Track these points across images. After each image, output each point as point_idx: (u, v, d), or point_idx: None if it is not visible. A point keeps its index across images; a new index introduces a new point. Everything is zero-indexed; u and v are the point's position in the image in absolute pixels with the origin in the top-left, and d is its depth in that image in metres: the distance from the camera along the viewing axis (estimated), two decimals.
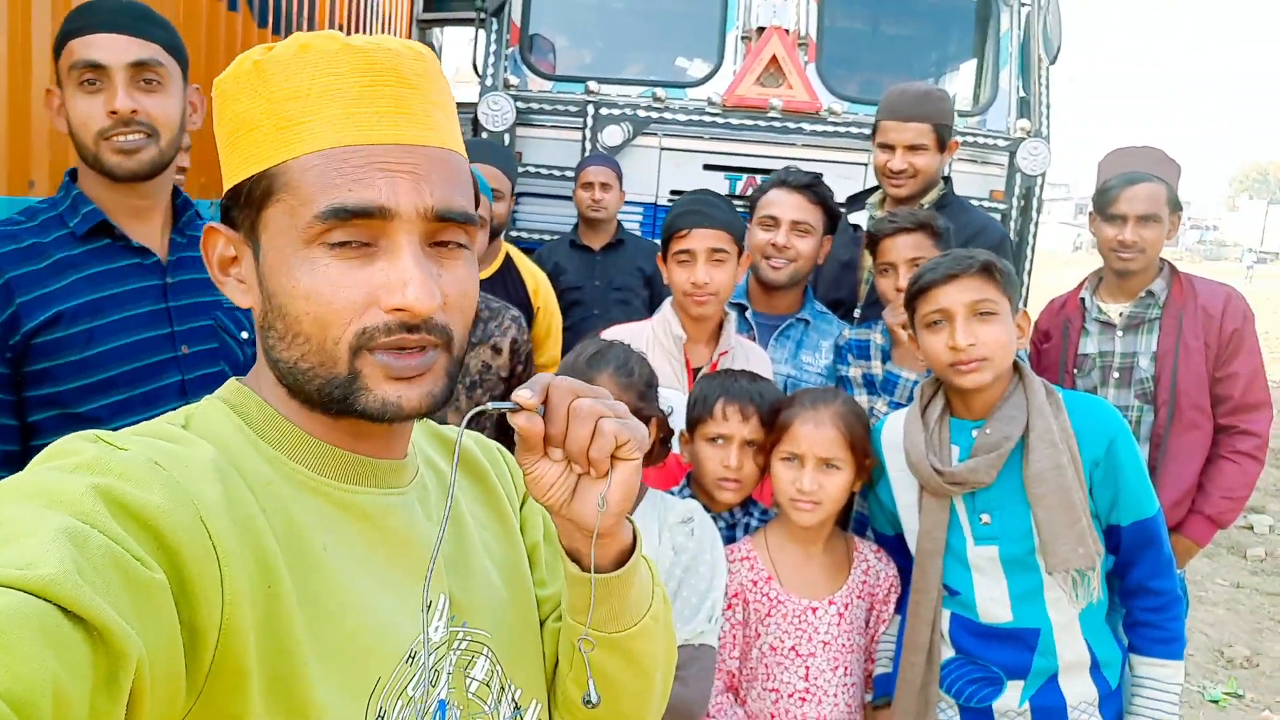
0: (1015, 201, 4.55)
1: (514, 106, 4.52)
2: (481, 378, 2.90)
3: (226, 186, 0.89)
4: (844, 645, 2.17)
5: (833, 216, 2.95)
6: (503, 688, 1.00)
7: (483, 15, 5.14)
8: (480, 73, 4.84)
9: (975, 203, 4.41)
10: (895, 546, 2.28)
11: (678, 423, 2.31)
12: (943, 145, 3.07)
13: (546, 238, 4.56)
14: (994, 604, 2.07)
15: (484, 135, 4.56)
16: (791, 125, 4.60)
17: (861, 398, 2.80)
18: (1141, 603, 2.08)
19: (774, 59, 4.58)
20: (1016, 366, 2.12)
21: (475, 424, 2.76)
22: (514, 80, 4.68)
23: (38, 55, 2.70)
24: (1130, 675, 2.10)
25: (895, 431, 2.20)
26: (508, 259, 3.56)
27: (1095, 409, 2.08)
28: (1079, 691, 2.07)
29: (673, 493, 2.29)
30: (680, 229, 2.55)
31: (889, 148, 3.08)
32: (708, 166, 4.69)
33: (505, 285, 3.47)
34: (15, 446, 1.85)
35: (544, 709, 1.06)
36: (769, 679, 2.16)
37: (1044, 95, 4.64)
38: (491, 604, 1.01)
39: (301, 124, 0.82)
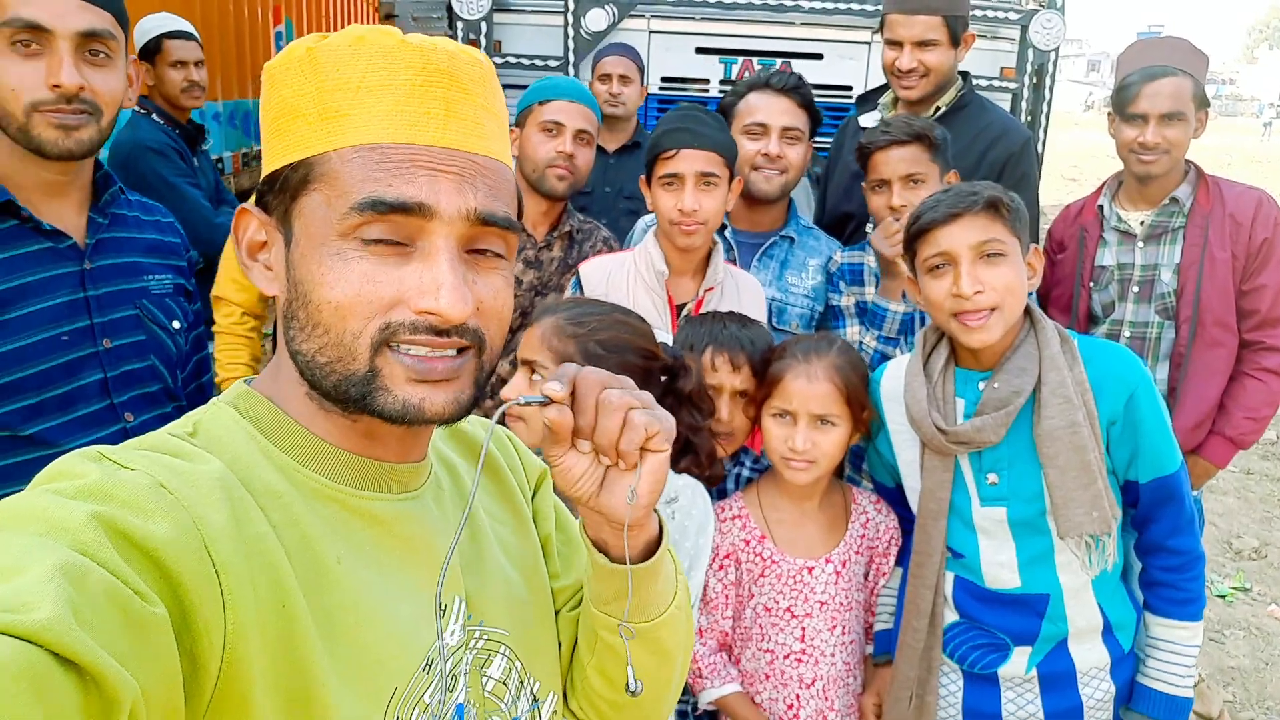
0: (1027, 79, 4.26)
1: None
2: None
3: (266, 171, 0.88)
4: (842, 604, 2.06)
5: (816, 121, 2.71)
6: (521, 682, 1.00)
7: None
8: None
9: (985, 83, 4.13)
10: (896, 498, 2.14)
11: None
12: (956, 39, 2.79)
13: None
14: (1001, 569, 1.94)
15: (459, 24, 4.25)
16: (789, 2, 4.28)
17: (854, 329, 2.62)
18: (1159, 561, 1.94)
19: None
20: (1028, 311, 1.93)
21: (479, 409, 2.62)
22: None
23: None
24: (1145, 636, 1.98)
25: (895, 381, 2.02)
26: None
27: (1114, 359, 1.90)
28: (1090, 657, 1.95)
29: None
30: (666, 149, 2.32)
31: (896, 44, 2.81)
32: (700, 50, 4.41)
33: None
34: None
35: (559, 699, 1.07)
36: (764, 639, 2.06)
37: None
38: (508, 600, 1.01)
39: (348, 116, 0.81)
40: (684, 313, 2.39)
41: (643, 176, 2.43)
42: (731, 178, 2.36)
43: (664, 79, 4.38)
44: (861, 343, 2.61)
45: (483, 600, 0.97)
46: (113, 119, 1.73)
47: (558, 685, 1.07)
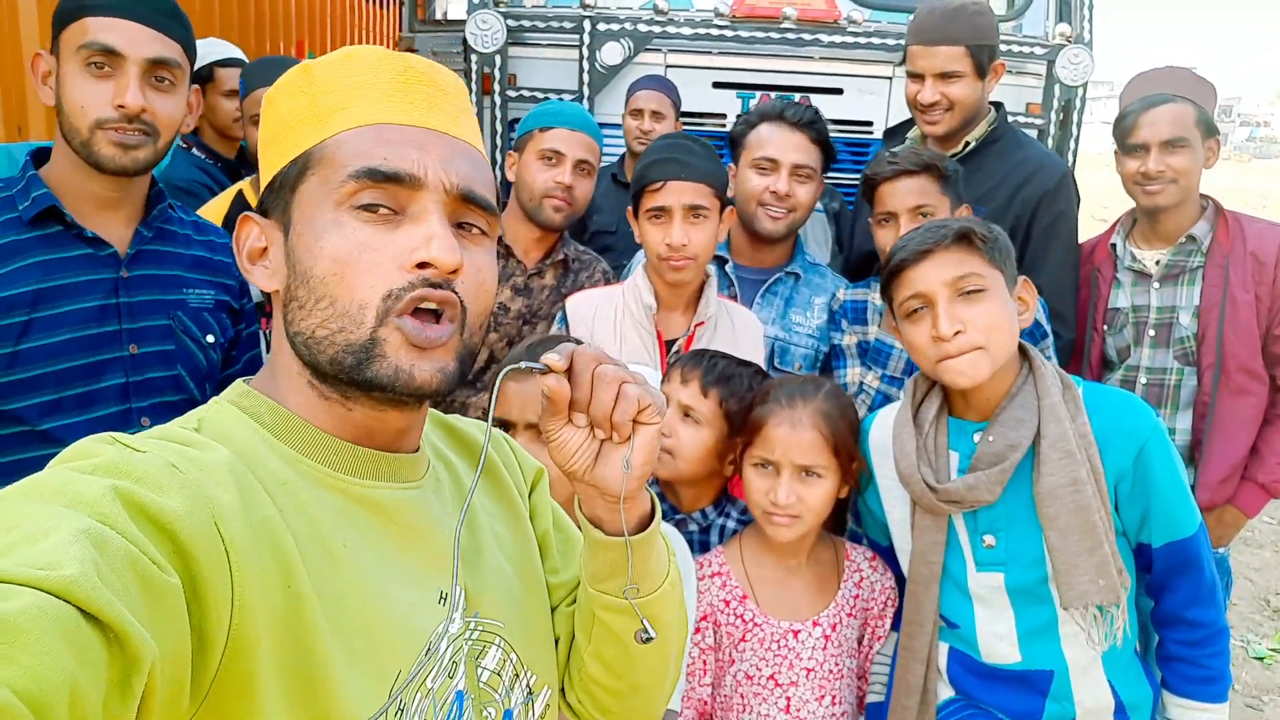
0: (1054, 115, 4.11)
1: (504, 24, 4.13)
2: (497, 320, 2.63)
3: (264, 183, 0.93)
4: (831, 671, 1.90)
5: (830, 157, 2.58)
6: (516, 674, 1.02)
7: None
8: None
9: (1009, 119, 3.99)
10: (891, 556, 1.98)
11: None
12: (982, 70, 2.64)
13: None
14: (999, 641, 1.77)
15: (473, 57, 4.20)
16: (808, 36, 4.18)
17: (855, 370, 2.47)
18: (1177, 635, 1.76)
19: None
20: (1026, 354, 1.78)
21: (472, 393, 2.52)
22: None
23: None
24: (1161, 717, 1.80)
25: (884, 431, 1.87)
26: None
27: (1123, 409, 1.74)
28: None
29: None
30: (653, 181, 2.21)
31: (919, 77, 2.68)
32: (717, 84, 4.32)
33: None
34: None
35: (554, 695, 1.08)
36: (746, 710, 1.90)
37: None
38: (504, 594, 1.03)
39: (339, 109, 0.88)
40: (674, 349, 2.27)
41: (629, 209, 2.33)
42: (723, 207, 2.25)
43: (681, 113, 4.29)
44: (863, 384, 2.47)
45: (480, 592, 0.99)
46: (169, 141, 1.86)
47: (554, 680, 1.09)
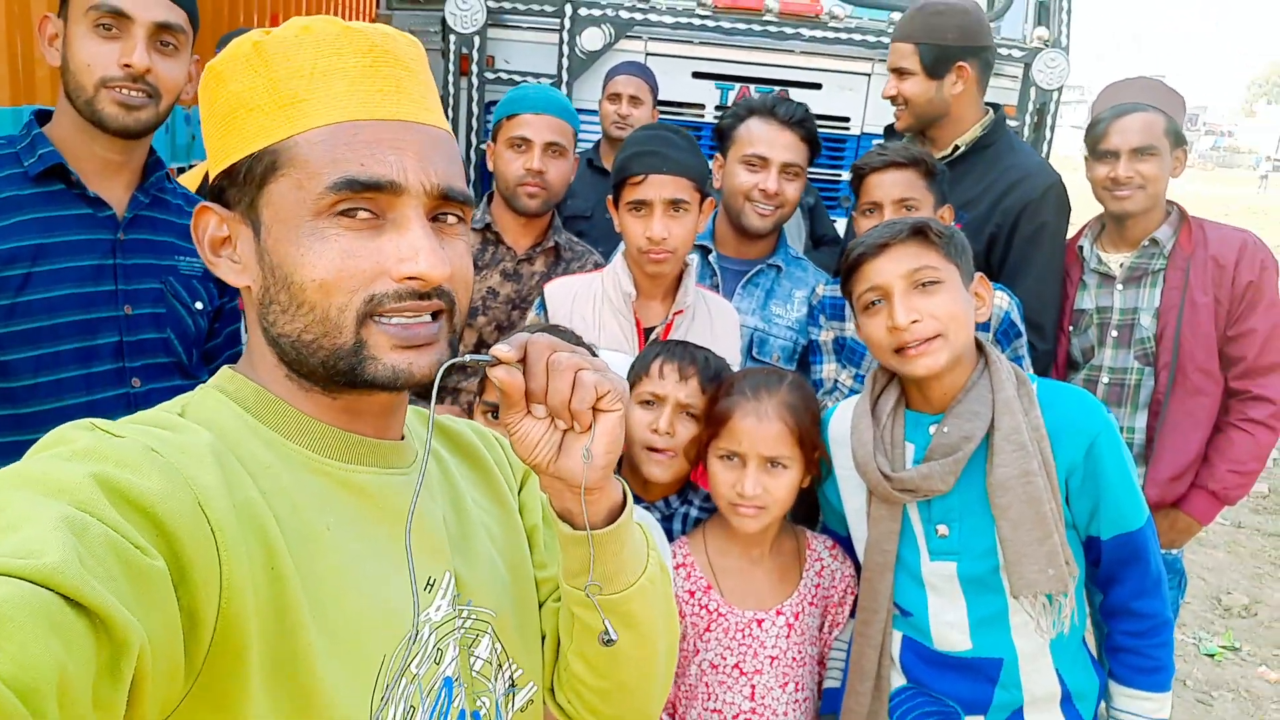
0: (1029, 118, 4.17)
1: (484, 5, 4.13)
2: (486, 304, 2.66)
3: (219, 168, 0.90)
4: (794, 659, 1.94)
5: (816, 154, 2.61)
6: (500, 665, 1.01)
7: None
8: None
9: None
10: (850, 546, 2.02)
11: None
12: (933, 70, 2.66)
13: None
14: (951, 629, 1.82)
15: (451, 37, 4.19)
16: (789, 30, 4.21)
17: (830, 366, 2.51)
18: (1124, 625, 1.82)
19: None
20: (983, 350, 1.83)
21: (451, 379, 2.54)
22: None
23: None
24: (1107, 706, 1.86)
25: (844, 424, 1.91)
26: None
27: (1075, 404, 1.79)
28: None
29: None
30: (634, 174, 2.22)
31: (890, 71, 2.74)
32: (697, 74, 4.35)
33: None
34: None
35: (539, 694, 1.08)
36: (710, 699, 1.94)
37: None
38: (494, 585, 1.03)
39: (305, 100, 0.85)
40: (652, 337, 2.30)
41: (609, 198, 2.35)
42: (703, 200, 2.27)
43: (658, 102, 4.30)
44: (838, 381, 2.51)
45: (471, 580, 1.00)
46: (170, 105, 1.92)
47: (539, 677, 1.08)
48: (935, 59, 2.64)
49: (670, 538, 2.06)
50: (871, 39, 4.14)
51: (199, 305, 2.04)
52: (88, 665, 0.58)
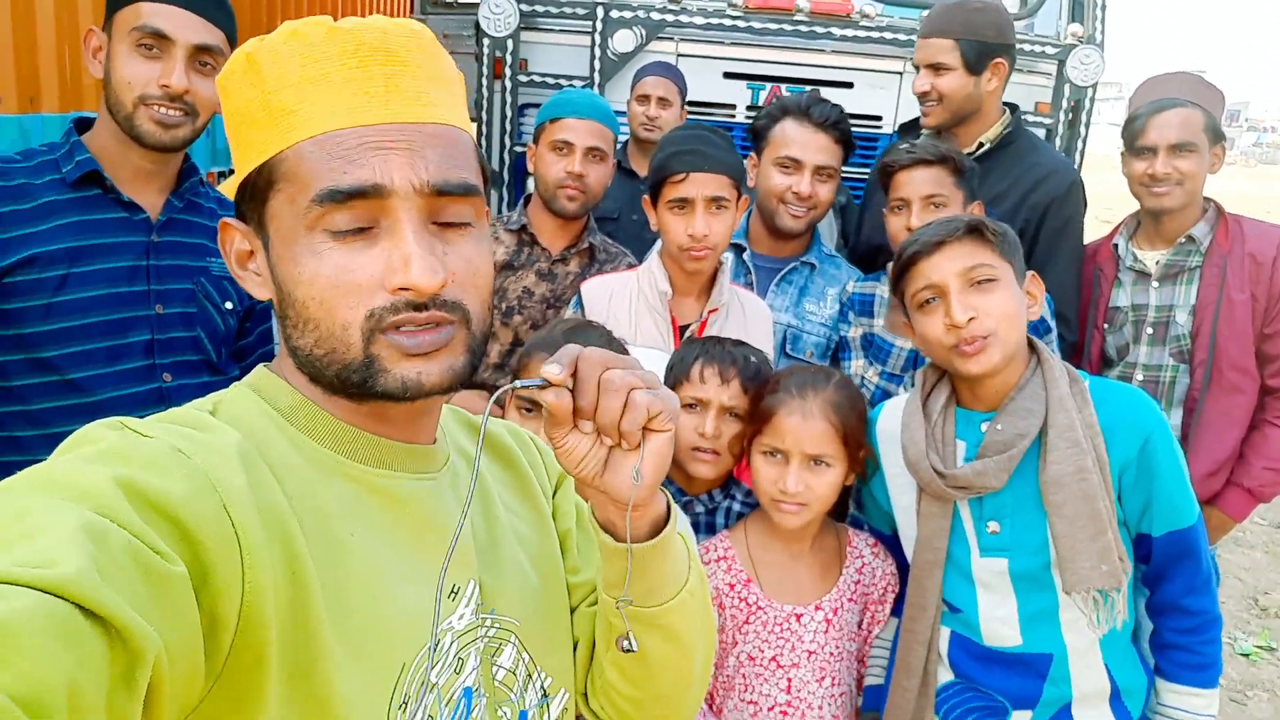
0: (1063, 115, 4.14)
1: (517, 9, 4.15)
2: (521, 304, 2.68)
3: (235, 182, 0.90)
4: (832, 654, 1.94)
5: (850, 154, 2.62)
6: (530, 674, 1.00)
7: None
8: None
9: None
10: (893, 544, 2.02)
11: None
12: (973, 66, 2.65)
13: None
14: (1001, 625, 1.81)
15: (485, 41, 4.22)
16: (820, 29, 4.20)
17: (859, 362, 2.51)
18: (1173, 622, 1.80)
19: None
20: (1034, 348, 1.82)
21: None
22: None
23: None
24: (1155, 702, 1.85)
25: (893, 421, 1.91)
26: None
27: (1129, 402, 1.78)
28: None
29: None
30: (675, 172, 2.24)
31: (918, 69, 2.72)
32: (728, 75, 4.33)
33: None
34: None
35: (572, 700, 1.06)
36: (747, 690, 1.94)
37: None
38: (522, 592, 1.01)
39: (294, 112, 0.83)
40: (688, 334, 2.31)
41: (646, 197, 2.36)
42: (739, 197, 2.28)
43: (690, 103, 4.31)
44: (864, 378, 2.51)
45: (496, 588, 0.98)
46: (207, 120, 1.98)
47: (571, 683, 1.06)
48: (977, 55, 2.64)
49: (713, 531, 2.07)
50: (903, 38, 4.11)
51: (229, 305, 2.10)
52: (101, 675, 0.57)
